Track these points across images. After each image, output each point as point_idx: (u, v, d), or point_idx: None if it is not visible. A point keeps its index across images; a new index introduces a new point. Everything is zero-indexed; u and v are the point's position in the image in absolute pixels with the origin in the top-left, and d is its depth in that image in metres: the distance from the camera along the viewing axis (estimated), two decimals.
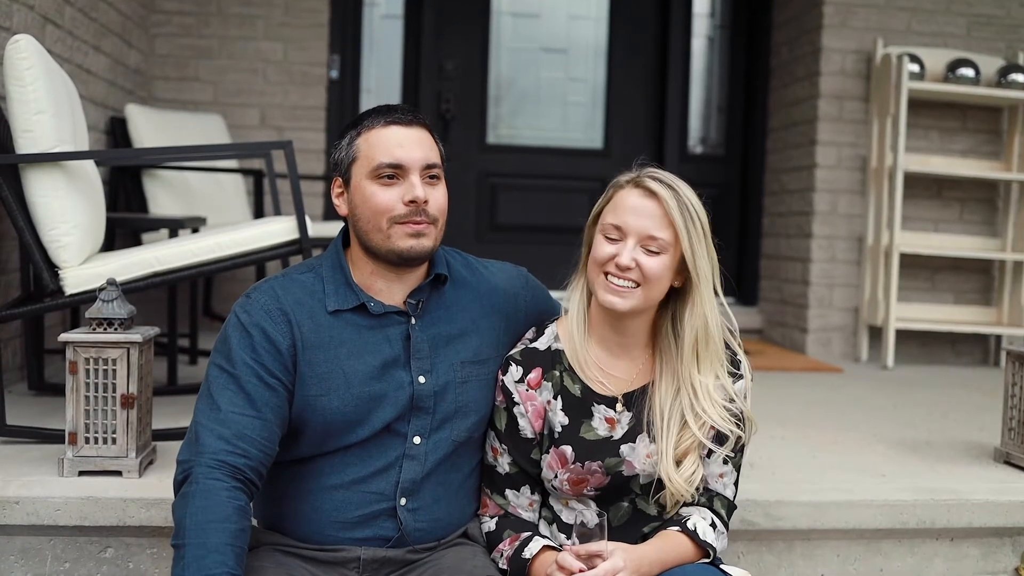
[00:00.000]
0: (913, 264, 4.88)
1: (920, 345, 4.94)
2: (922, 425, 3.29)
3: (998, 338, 4.98)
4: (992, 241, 4.97)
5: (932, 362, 4.95)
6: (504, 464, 1.93)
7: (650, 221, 1.81)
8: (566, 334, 1.94)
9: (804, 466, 2.66)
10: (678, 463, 1.85)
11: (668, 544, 1.83)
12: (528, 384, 1.90)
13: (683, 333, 1.87)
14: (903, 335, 4.82)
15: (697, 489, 1.88)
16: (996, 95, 4.71)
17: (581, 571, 1.71)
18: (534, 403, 1.90)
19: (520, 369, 1.91)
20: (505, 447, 1.92)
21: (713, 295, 1.86)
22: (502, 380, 1.92)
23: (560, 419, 1.89)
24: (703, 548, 1.84)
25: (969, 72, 4.69)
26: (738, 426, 1.88)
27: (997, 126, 5.01)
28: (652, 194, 1.82)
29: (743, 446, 1.93)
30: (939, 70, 4.76)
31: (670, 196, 1.81)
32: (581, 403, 1.90)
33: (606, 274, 1.83)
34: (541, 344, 1.93)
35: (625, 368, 1.92)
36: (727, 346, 1.92)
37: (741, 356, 1.93)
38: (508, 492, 1.94)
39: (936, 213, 4.98)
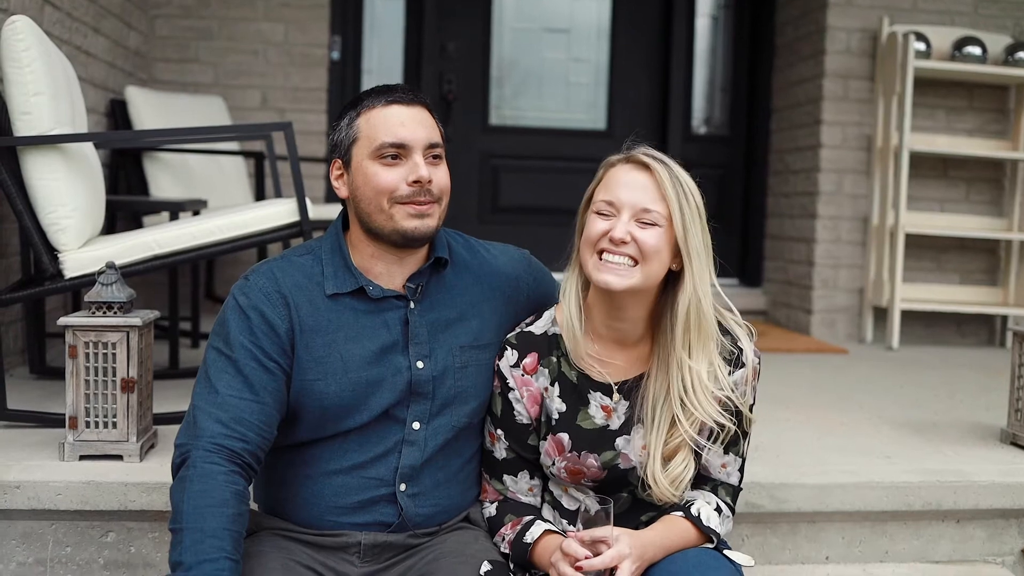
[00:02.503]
0: (919, 244, 4.86)
1: (925, 326, 4.92)
2: (928, 406, 3.28)
3: (1004, 318, 4.96)
4: (998, 221, 4.94)
5: (937, 343, 4.93)
6: (501, 450, 1.91)
7: (643, 194, 1.77)
8: (562, 322, 1.88)
9: (809, 448, 2.65)
10: (668, 460, 1.81)
11: (672, 530, 1.82)
12: (524, 369, 1.87)
13: (677, 314, 1.80)
14: (908, 316, 4.80)
15: (691, 486, 1.85)
16: (1003, 73, 4.67)
17: (586, 558, 1.68)
18: (530, 388, 1.87)
19: (515, 353, 1.88)
20: (501, 432, 1.90)
21: (706, 274, 1.79)
22: (497, 365, 1.89)
23: (557, 406, 1.87)
24: (706, 534, 1.83)
25: (976, 50, 4.64)
26: (732, 421, 1.82)
27: (1004, 105, 4.97)
28: (644, 167, 1.78)
29: (741, 435, 1.86)
30: (945, 48, 4.72)
31: (663, 169, 1.77)
32: (578, 390, 1.87)
33: (600, 253, 1.77)
34: (538, 328, 1.90)
35: (622, 356, 1.87)
36: (728, 332, 1.86)
37: (744, 344, 1.85)
38: (506, 478, 1.92)
39: (942, 193, 4.95)
